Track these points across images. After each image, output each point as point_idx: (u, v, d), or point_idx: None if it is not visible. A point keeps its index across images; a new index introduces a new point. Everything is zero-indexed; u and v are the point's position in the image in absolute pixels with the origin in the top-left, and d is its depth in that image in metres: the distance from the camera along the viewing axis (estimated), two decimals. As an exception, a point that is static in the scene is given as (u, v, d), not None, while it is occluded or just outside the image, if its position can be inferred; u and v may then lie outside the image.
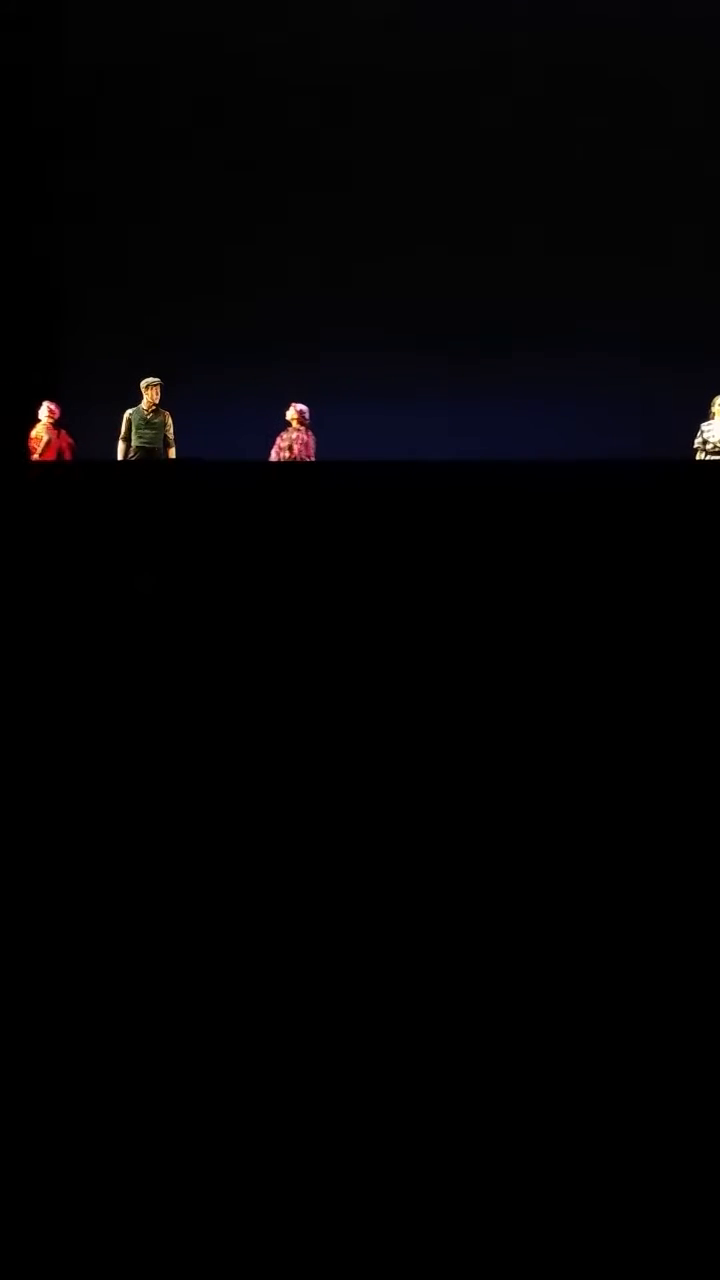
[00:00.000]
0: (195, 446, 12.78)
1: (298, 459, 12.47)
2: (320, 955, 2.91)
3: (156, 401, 12.57)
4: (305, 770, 3.15)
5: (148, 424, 12.56)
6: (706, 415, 12.89)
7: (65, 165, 15.15)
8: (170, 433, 12.56)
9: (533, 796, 3.09)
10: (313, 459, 12.54)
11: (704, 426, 12.87)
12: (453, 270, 14.62)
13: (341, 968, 2.89)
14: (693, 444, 12.82)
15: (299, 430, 12.69)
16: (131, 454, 12.51)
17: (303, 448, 12.65)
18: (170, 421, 12.59)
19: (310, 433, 12.68)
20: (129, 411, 12.65)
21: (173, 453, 12.58)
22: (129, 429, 12.58)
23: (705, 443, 12.80)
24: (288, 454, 12.63)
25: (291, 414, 12.72)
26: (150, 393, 12.55)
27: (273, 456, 12.67)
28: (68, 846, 3.06)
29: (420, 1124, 2.63)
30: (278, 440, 12.75)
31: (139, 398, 12.69)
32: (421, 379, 14.25)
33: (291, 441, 12.68)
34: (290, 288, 14.67)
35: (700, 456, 12.78)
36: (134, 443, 12.54)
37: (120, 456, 12.51)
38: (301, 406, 12.67)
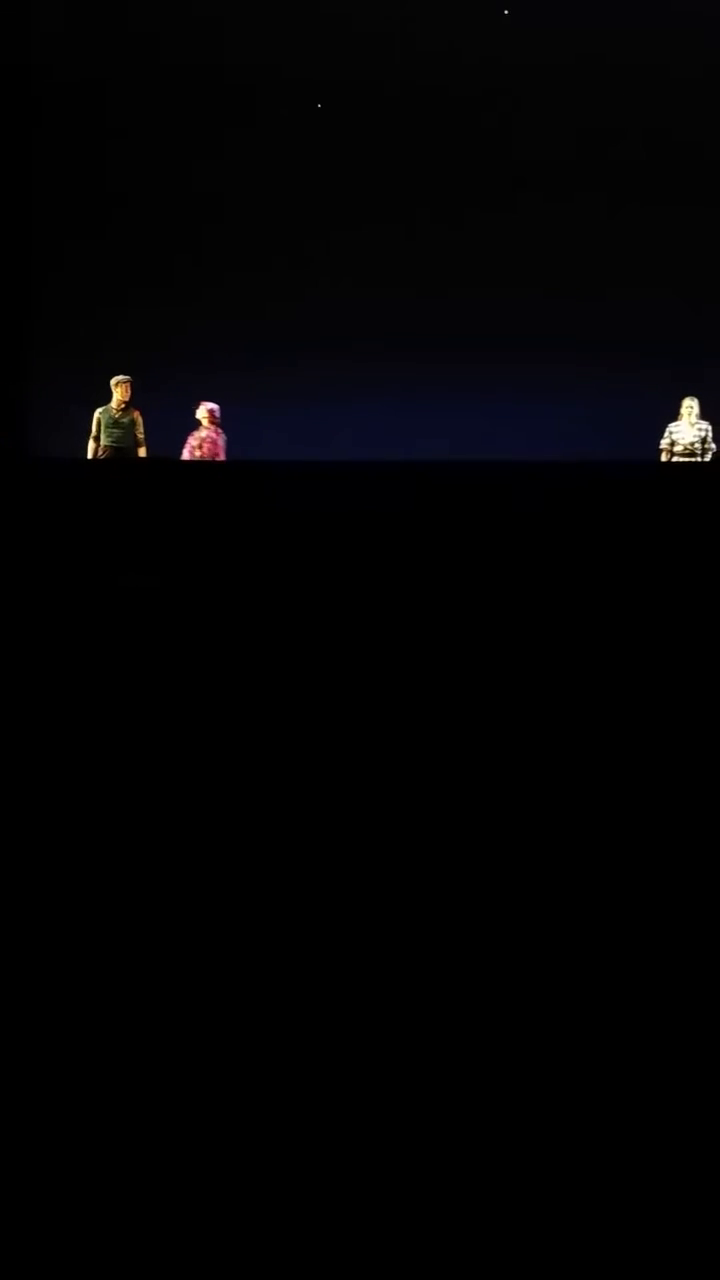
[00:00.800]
0: (173, 447, 12.79)
1: (207, 458, 12.49)
2: (320, 954, 2.91)
3: (126, 399, 12.53)
4: (302, 768, 3.16)
5: (116, 423, 12.53)
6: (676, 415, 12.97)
7: (35, 160, 15.12)
8: (140, 432, 12.51)
9: (526, 794, 3.10)
10: (222, 458, 12.54)
11: (671, 427, 12.92)
12: (442, 269, 14.63)
13: (341, 967, 2.89)
14: (659, 444, 12.87)
15: (209, 429, 12.70)
16: (102, 453, 12.47)
17: (211, 446, 12.67)
18: (140, 420, 12.55)
19: (220, 431, 12.68)
20: (99, 410, 12.62)
21: (143, 451, 12.52)
22: (99, 428, 12.53)
23: (673, 444, 12.86)
24: (199, 453, 12.65)
25: (202, 413, 12.73)
26: (119, 390, 12.50)
27: (184, 455, 12.66)
28: (65, 844, 3.07)
29: (420, 1122, 2.64)
30: (189, 439, 12.78)
31: (110, 396, 12.68)
32: (402, 380, 14.27)
33: (202, 440, 12.70)
34: (272, 287, 14.66)
35: (665, 458, 12.84)
36: (103, 441, 12.49)
37: (90, 455, 12.45)
38: (212, 405, 12.69)
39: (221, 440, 12.68)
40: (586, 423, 13.76)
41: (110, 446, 12.48)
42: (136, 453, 12.51)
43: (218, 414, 12.70)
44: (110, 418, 12.53)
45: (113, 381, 12.58)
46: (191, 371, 13.88)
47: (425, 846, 3.02)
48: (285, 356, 14.30)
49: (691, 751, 3.18)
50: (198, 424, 12.77)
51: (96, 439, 12.55)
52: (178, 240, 14.92)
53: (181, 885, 2.99)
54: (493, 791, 3.10)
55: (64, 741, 3.23)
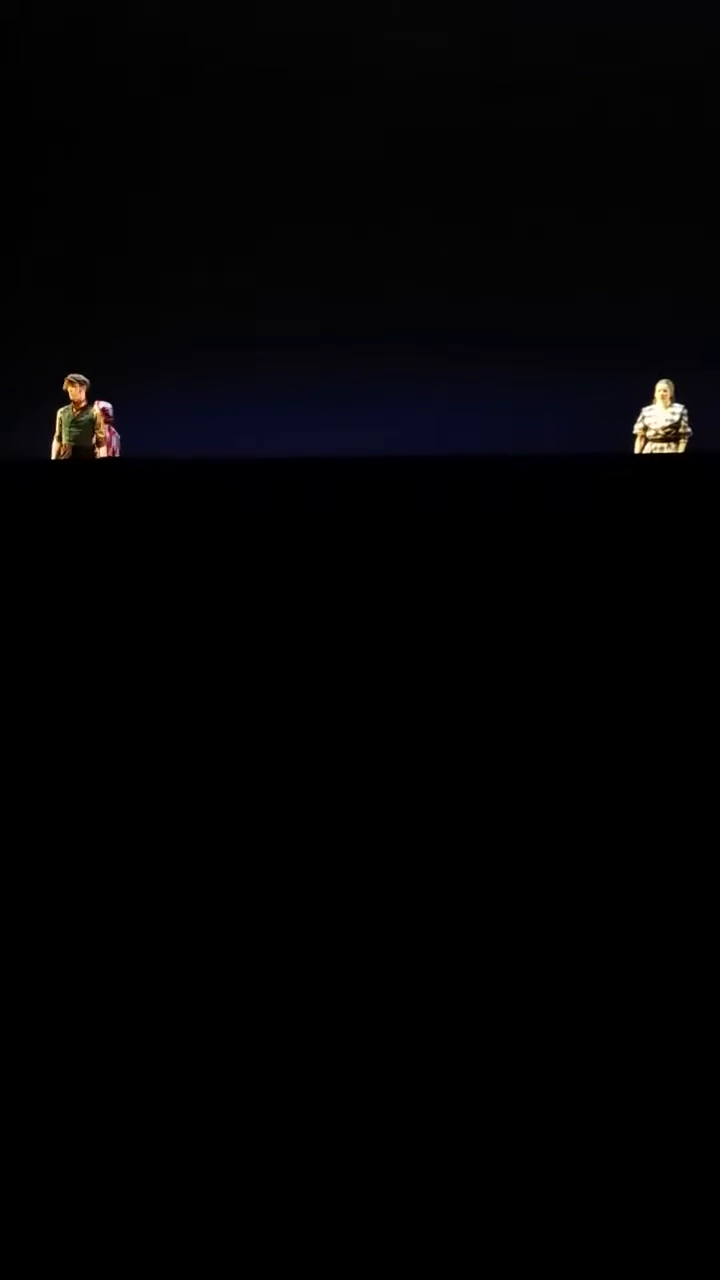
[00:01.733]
0: (159, 444, 12.74)
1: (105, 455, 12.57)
2: (320, 952, 2.90)
3: (79, 400, 12.49)
4: (301, 768, 3.16)
5: (75, 422, 12.51)
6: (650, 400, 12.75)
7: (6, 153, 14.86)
8: (102, 431, 12.45)
9: (525, 795, 3.11)
10: (118, 454, 12.56)
11: (645, 411, 12.70)
12: (436, 266, 14.51)
13: (341, 964, 2.88)
14: (632, 429, 12.64)
15: (105, 429, 12.64)
16: (64, 452, 12.43)
17: (108, 445, 12.67)
18: (102, 419, 12.48)
19: (114, 431, 12.67)
20: (60, 410, 12.58)
21: (102, 451, 12.45)
22: (60, 427, 12.52)
23: (646, 429, 12.63)
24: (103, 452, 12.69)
25: (96, 411, 12.67)
26: (71, 389, 12.47)
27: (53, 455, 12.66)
28: (66, 845, 3.08)
29: (420, 1121, 2.66)
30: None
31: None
32: (389, 376, 14.17)
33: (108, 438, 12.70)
34: (251, 283, 14.56)
35: (639, 442, 12.61)
36: (64, 440, 12.48)
37: (53, 456, 12.40)
38: (105, 405, 12.65)
39: (115, 439, 12.67)
40: (554, 417, 13.63)
41: (70, 445, 12.46)
42: (94, 452, 12.45)
43: (111, 413, 12.68)
44: (70, 417, 12.52)
45: (65, 381, 12.54)
46: (167, 369, 13.95)
47: (424, 848, 3.04)
48: (268, 353, 14.25)
49: (685, 751, 3.19)
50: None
51: (59, 439, 12.54)
52: (151, 237, 14.78)
53: (182, 884, 3.00)
54: (491, 789, 3.12)
55: (54, 744, 3.26)
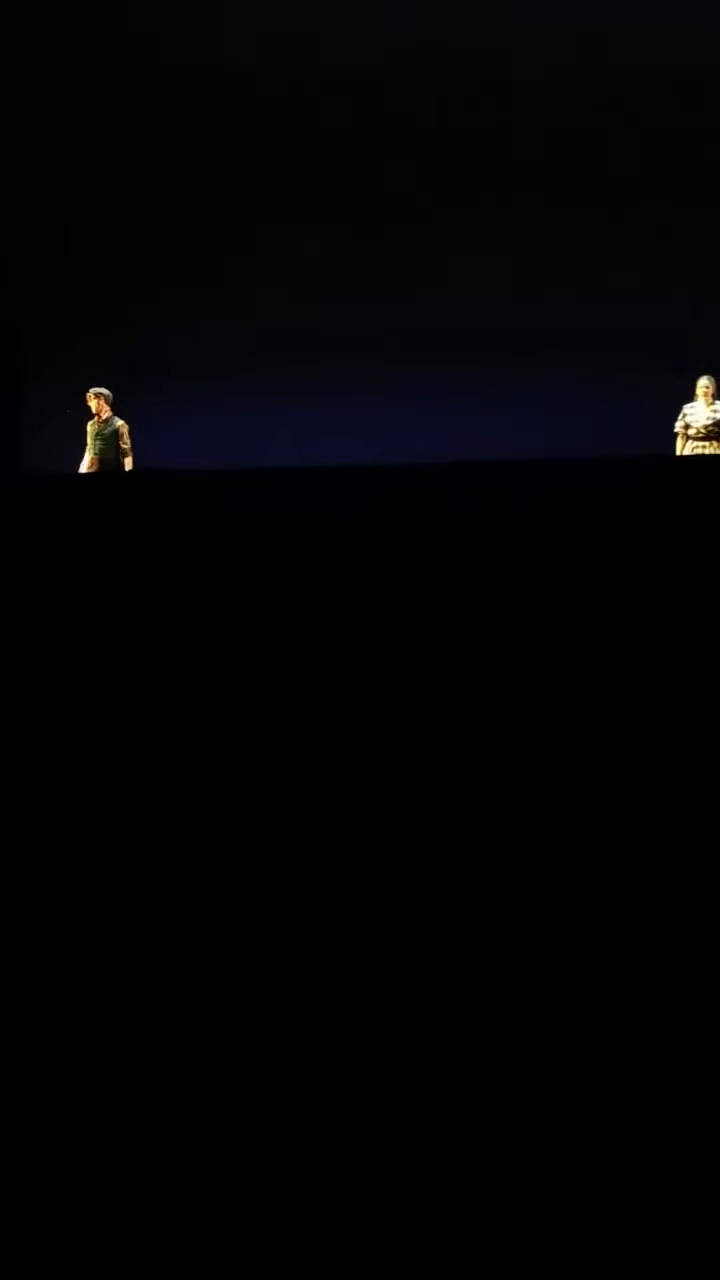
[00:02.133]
0: (174, 455, 12.83)
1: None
2: (320, 954, 2.94)
3: (102, 414, 12.55)
4: (303, 771, 3.21)
5: (99, 434, 12.56)
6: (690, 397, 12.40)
7: (23, 167, 14.75)
8: (125, 443, 12.47)
9: (528, 800, 3.14)
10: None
11: (686, 409, 12.37)
12: (446, 270, 14.24)
13: (341, 966, 2.92)
14: (673, 427, 12.29)
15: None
16: (93, 465, 12.52)
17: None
18: (124, 432, 12.50)
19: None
20: (89, 423, 12.67)
21: (128, 462, 12.46)
22: (89, 440, 12.62)
23: (687, 426, 12.28)
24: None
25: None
26: (92, 403, 12.56)
27: (82, 468, 12.74)
28: (68, 850, 3.13)
29: (420, 1121, 2.68)
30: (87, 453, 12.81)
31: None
32: (402, 382, 13.93)
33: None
34: (271, 290, 14.31)
35: (680, 441, 12.27)
36: (90, 454, 12.58)
37: (83, 468, 12.52)
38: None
39: None
40: (590, 418, 13.34)
41: (96, 458, 12.56)
42: (120, 464, 12.45)
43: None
44: (95, 430, 12.60)
45: (87, 395, 12.62)
46: (189, 376, 13.88)
47: (423, 851, 3.07)
48: (281, 360, 14.01)
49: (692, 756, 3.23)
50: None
51: (90, 451, 12.64)
52: (167, 245, 14.58)
53: (183, 887, 3.05)
54: (493, 794, 3.15)
55: (60, 751, 3.31)
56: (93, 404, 12.53)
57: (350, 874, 3.02)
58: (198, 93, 14.44)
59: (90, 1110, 2.71)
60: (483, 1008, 2.83)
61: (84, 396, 12.56)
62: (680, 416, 12.30)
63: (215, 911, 2.98)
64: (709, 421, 12.18)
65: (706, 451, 12.15)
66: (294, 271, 14.22)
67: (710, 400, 12.24)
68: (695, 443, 12.19)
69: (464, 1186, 2.58)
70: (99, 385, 12.57)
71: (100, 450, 12.45)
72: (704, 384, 12.26)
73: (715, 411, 12.21)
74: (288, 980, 2.88)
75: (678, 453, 12.21)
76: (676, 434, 12.30)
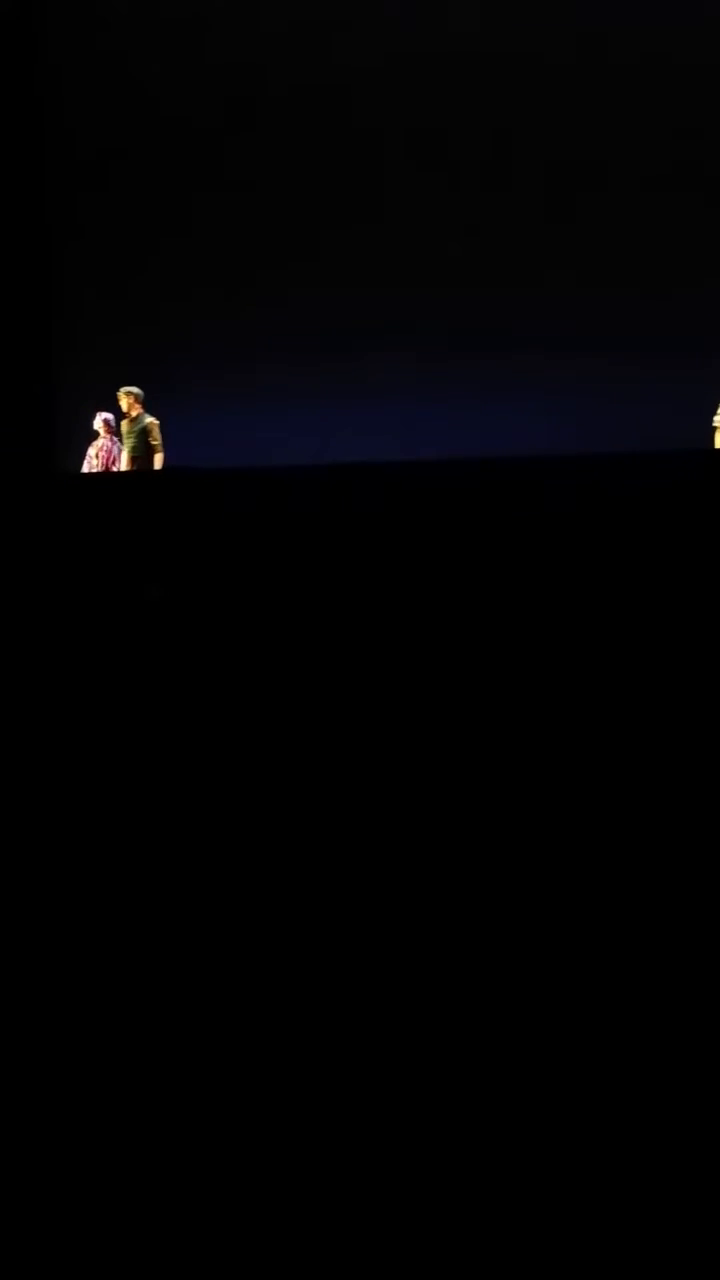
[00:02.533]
0: (200, 454, 12.54)
1: (105, 466, 12.75)
2: (320, 956, 2.94)
3: (130, 411, 12.61)
4: (306, 775, 3.21)
5: (130, 433, 12.60)
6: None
7: (56, 170, 14.81)
8: (154, 440, 12.49)
9: (532, 800, 3.13)
10: (119, 466, 12.73)
11: (724, 402, 12.22)
12: (458, 270, 14.12)
13: (341, 968, 2.93)
14: (712, 421, 12.15)
15: (106, 439, 12.80)
16: (130, 464, 12.61)
17: (108, 455, 12.80)
18: (154, 430, 12.52)
19: (116, 440, 12.80)
20: (123, 421, 12.74)
21: (158, 459, 12.49)
22: (124, 439, 12.70)
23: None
24: (96, 462, 12.80)
25: (98, 423, 12.83)
26: (124, 401, 12.62)
27: (84, 467, 12.82)
28: (75, 848, 3.13)
29: (420, 1121, 2.67)
30: (89, 450, 12.86)
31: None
32: (423, 379, 13.84)
33: (99, 450, 12.83)
34: (292, 290, 14.22)
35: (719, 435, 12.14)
36: (127, 454, 12.64)
37: (122, 465, 12.63)
38: (107, 415, 12.81)
39: (116, 449, 12.80)
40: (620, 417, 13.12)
41: (131, 456, 12.60)
42: (150, 460, 12.48)
43: (113, 423, 12.84)
44: (127, 428, 12.67)
45: (118, 394, 12.67)
46: (220, 376, 13.87)
47: (423, 854, 3.07)
48: (305, 357, 13.96)
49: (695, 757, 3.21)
50: (95, 434, 12.89)
51: (126, 449, 12.76)
52: (202, 246, 14.55)
53: (187, 890, 3.05)
54: (497, 795, 3.14)
55: (74, 748, 3.33)
56: (124, 402, 12.56)
57: (353, 873, 3.02)
58: (225, 97, 14.44)
59: (90, 1110, 2.71)
60: (482, 1006, 2.84)
61: (116, 395, 12.61)
62: (718, 412, 12.15)
63: (217, 905, 3.00)
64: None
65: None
66: (318, 272, 14.22)
67: (749, 393, 12.12)
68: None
69: (464, 1186, 2.58)
70: (130, 384, 12.60)
71: (132, 448, 12.47)
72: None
73: (754, 404, 12.09)
74: (287, 978, 2.89)
75: (717, 445, 12.06)
76: (715, 427, 12.16)
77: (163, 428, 12.54)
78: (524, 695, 3.29)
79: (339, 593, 3.58)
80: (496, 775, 3.17)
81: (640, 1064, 2.73)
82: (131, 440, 12.49)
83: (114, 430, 12.69)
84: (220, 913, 3.00)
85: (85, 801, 3.21)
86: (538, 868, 3.02)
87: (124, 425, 12.59)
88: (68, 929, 2.99)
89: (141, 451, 12.43)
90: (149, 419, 12.53)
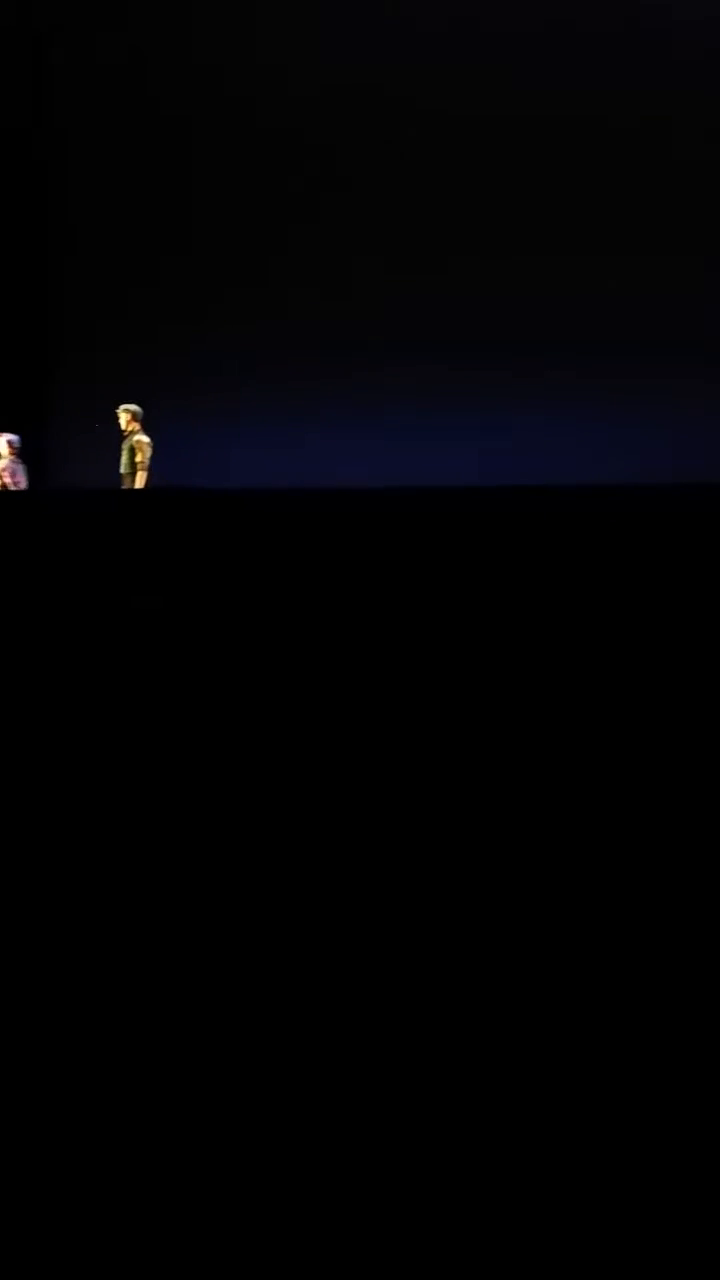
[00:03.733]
0: (193, 473, 12.71)
1: (9, 487, 12.82)
2: (321, 958, 2.96)
3: (124, 428, 12.69)
4: (306, 784, 3.25)
5: (123, 450, 12.69)
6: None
7: (56, 188, 14.93)
8: (140, 458, 12.52)
9: (532, 807, 3.16)
10: (24, 486, 12.86)
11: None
12: (461, 285, 14.03)
13: (342, 970, 2.95)
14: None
15: (10, 459, 12.87)
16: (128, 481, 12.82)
17: (12, 475, 12.87)
18: (142, 448, 12.53)
19: (20, 461, 12.92)
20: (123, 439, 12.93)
21: (140, 478, 12.54)
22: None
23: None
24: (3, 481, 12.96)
25: (1, 444, 12.92)
26: (121, 418, 12.71)
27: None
28: (72, 856, 3.16)
29: (420, 1122, 2.70)
30: None
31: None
32: (425, 398, 13.75)
33: (1, 471, 12.89)
34: (288, 309, 14.22)
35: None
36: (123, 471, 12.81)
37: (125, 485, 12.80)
38: (11, 437, 12.93)
39: (21, 469, 12.91)
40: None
41: (122, 474, 12.74)
42: (131, 479, 12.60)
43: (17, 444, 12.96)
44: (124, 445, 12.77)
45: (117, 411, 12.80)
46: (213, 394, 13.75)
47: (428, 850, 3.09)
48: (307, 376, 13.90)
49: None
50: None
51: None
52: (201, 262, 14.60)
53: (186, 896, 3.08)
54: (499, 807, 3.16)
55: (73, 757, 3.37)
56: (121, 419, 12.68)
57: (354, 874, 3.05)
58: (201, 110, 14.50)
59: (90, 1110, 2.73)
60: (482, 1007, 2.86)
61: (114, 411, 12.74)
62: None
63: (216, 910, 3.03)
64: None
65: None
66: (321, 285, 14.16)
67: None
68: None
69: (464, 1186, 2.61)
70: (128, 401, 12.71)
71: (124, 466, 12.59)
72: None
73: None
74: (287, 978, 2.93)
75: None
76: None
77: (157, 446, 12.59)
78: (525, 727, 3.27)
79: (329, 616, 3.59)
80: (496, 797, 3.16)
81: (640, 1064, 2.74)
82: (124, 458, 12.59)
83: (17, 451, 12.77)
84: (220, 920, 3.02)
85: (85, 806, 3.22)
86: (538, 875, 3.01)
87: (124, 443, 12.69)
88: (68, 934, 3.02)
89: (129, 470, 12.54)
90: (139, 438, 12.57)
